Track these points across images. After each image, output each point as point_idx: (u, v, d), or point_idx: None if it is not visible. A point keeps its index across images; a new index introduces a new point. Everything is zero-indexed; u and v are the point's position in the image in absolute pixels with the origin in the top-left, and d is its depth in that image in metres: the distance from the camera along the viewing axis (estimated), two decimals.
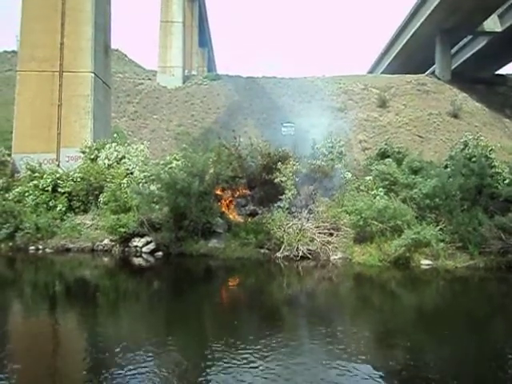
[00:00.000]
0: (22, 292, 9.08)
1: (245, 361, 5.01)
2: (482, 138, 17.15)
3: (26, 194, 14.14)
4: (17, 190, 14.42)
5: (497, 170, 13.80)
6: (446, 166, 15.17)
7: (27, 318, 7.22)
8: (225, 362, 4.98)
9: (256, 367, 4.85)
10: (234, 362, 5.00)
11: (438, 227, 11.52)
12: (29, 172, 15.14)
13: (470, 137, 16.88)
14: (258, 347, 5.47)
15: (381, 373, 4.88)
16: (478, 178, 12.65)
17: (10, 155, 17.67)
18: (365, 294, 9.49)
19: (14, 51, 35.81)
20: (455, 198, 12.32)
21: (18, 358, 5.36)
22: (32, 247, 12.75)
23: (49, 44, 17.83)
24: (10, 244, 12.78)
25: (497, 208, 12.46)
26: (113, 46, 23.76)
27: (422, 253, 11.37)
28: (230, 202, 14.31)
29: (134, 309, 7.91)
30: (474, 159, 13.90)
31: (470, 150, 15.37)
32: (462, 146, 16.45)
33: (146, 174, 14.51)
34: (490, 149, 15.39)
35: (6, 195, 14.25)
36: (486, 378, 4.92)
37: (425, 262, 11.27)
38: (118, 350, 5.47)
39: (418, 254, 11.32)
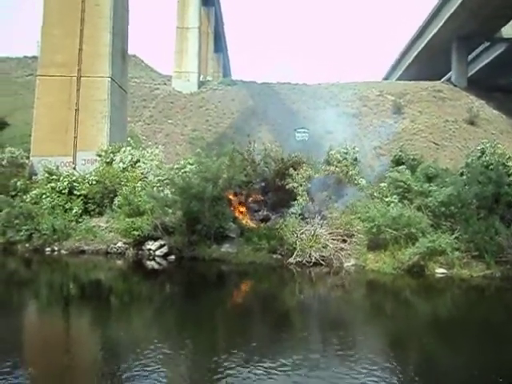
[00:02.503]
0: (42, 292, 9.25)
1: (259, 365, 5.00)
2: (499, 145, 16.87)
3: (43, 197, 14.39)
4: (34, 192, 14.69)
5: None
6: (461, 174, 14.96)
7: (47, 317, 7.35)
8: (238, 366, 4.98)
9: (271, 373, 4.84)
10: (247, 365, 4.99)
11: (454, 235, 11.33)
12: (46, 174, 15.42)
13: (487, 144, 16.61)
14: (273, 354, 5.46)
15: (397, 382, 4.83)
16: (495, 186, 12.43)
17: (28, 158, 18.03)
18: (380, 302, 9.38)
19: (34, 56, 36.59)
20: (471, 206, 12.13)
21: (38, 351, 5.46)
22: (48, 249, 12.96)
23: (68, 49, 18.19)
24: (27, 245, 13.01)
25: None
26: (130, 52, 24.11)
27: (437, 261, 11.19)
28: (243, 207, 14.34)
29: (147, 311, 7.96)
30: (491, 167, 13.68)
31: (487, 158, 15.12)
32: (478, 154, 16.20)
33: (160, 178, 14.65)
34: (507, 157, 15.13)
35: (24, 197, 14.52)
36: None
37: (439, 271, 11.10)
38: (131, 350, 5.51)
39: (433, 263, 11.15)
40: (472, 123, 33.42)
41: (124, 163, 15.87)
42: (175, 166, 15.41)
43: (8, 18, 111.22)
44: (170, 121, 33.53)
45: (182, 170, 14.50)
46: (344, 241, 12.37)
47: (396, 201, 12.98)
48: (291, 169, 14.00)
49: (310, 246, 11.85)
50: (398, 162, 17.56)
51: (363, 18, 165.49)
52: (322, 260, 11.72)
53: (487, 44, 41.63)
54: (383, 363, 5.41)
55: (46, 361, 5.28)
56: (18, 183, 15.32)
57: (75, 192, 14.62)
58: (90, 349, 6.00)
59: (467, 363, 5.68)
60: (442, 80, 42.18)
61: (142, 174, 15.40)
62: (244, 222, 13.66)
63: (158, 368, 4.96)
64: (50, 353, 5.57)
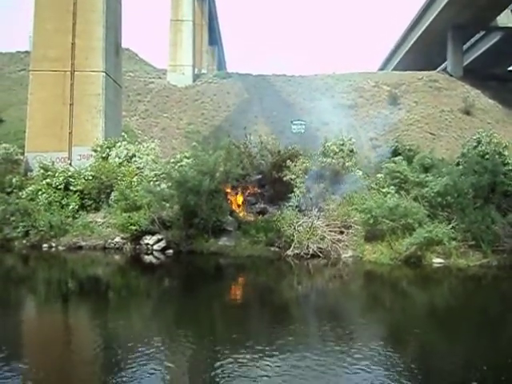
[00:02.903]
0: (41, 288, 9.26)
1: (257, 358, 5.02)
2: (495, 135, 16.90)
3: (39, 193, 14.31)
4: (30, 188, 14.61)
5: (510, 167, 13.58)
6: (457, 164, 15.00)
7: (47, 312, 7.37)
8: (238, 359, 5.00)
9: (269, 365, 4.86)
10: (247, 358, 5.01)
11: (450, 225, 11.39)
12: (42, 170, 15.33)
13: (483, 134, 16.64)
14: (271, 346, 5.48)
15: (395, 373, 4.86)
16: (491, 175, 12.47)
17: (23, 154, 17.91)
18: (378, 293, 9.43)
19: (26, 51, 36.20)
20: (468, 195, 12.17)
21: (40, 347, 5.47)
22: (45, 245, 12.92)
23: (61, 44, 18.02)
24: (24, 242, 12.98)
25: (510, 206, 12.29)
26: (123, 45, 23.91)
27: (434, 251, 11.26)
28: (240, 200, 14.33)
29: (146, 306, 7.97)
30: (486, 156, 13.71)
31: (483, 147, 15.16)
32: (474, 143, 16.22)
33: (156, 172, 14.60)
34: (503, 146, 15.16)
35: (20, 194, 14.44)
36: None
37: (437, 261, 11.16)
38: (131, 345, 5.53)
39: (430, 253, 11.21)
40: (468, 113, 33.43)
41: (120, 158, 15.81)
42: (171, 160, 15.36)
43: None
44: (165, 115, 33.36)
45: (179, 164, 14.46)
46: (341, 232, 12.41)
47: (393, 191, 13.00)
48: (288, 161, 13.99)
49: (308, 238, 11.87)
50: (394, 152, 17.57)
51: (358, 9, 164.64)
52: (320, 252, 11.75)
53: (482, 33, 41.53)
54: (381, 352, 5.44)
55: (47, 355, 5.29)
56: (14, 180, 15.23)
57: (71, 188, 14.56)
58: (91, 343, 6.00)
59: (464, 353, 5.74)
60: (438, 70, 42.08)
61: (138, 168, 15.35)
62: (241, 215, 13.67)
63: (160, 363, 4.98)
64: (52, 347, 5.57)
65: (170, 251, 12.42)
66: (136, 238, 12.87)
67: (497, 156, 13.54)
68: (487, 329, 6.71)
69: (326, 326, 6.63)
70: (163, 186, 13.51)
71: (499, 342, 6.12)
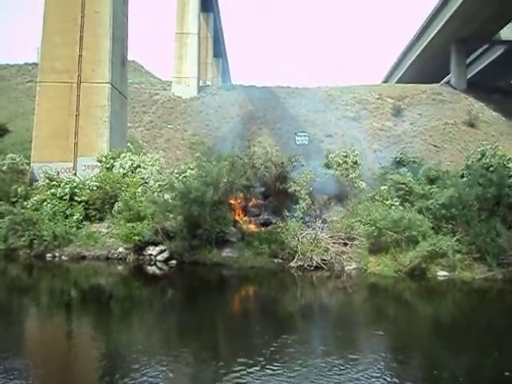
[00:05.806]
0: (45, 299, 9.24)
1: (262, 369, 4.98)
2: (499, 147, 16.90)
3: (44, 203, 14.37)
4: (35, 198, 14.68)
5: None
6: (462, 176, 14.97)
7: (51, 324, 7.34)
8: (243, 371, 4.96)
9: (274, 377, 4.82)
10: (252, 370, 4.97)
11: (455, 238, 11.32)
12: (47, 181, 15.42)
13: (488, 146, 16.64)
14: (275, 363, 5.43)
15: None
16: (496, 187, 12.43)
17: (29, 164, 18.05)
18: (383, 306, 9.33)
19: (34, 63, 36.71)
20: (472, 208, 12.12)
21: (43, 358, 5.46)
22: (49, 255, 12.93)
23: (68, 56, 18.27)
24: (28, 251, 13.00)
25: None
26: (129, 58, 24.18)
27: (439, 264, 11.17)
28: (244, 211, 14.33)
29: (150, 319, 7.93)
30: (491, 169, 13.68)
31: (488, 160, 15.14)
32: (479, 156, 16.21)
33: (160, 183, 14.65)
34: (507, 158, 15.13)
35: (25, 203, 14.51)
36: None
37: (441, 274, 11.07)
38: (136, 360, 5.49)
39: (434, 265, 11.13)
40: (472, 125, 33.44)
41: (124, 169, 15.89)
42: (175, 171, 15.41)
43: (8, 25, 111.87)
44: (169, 126, 33.59)
45: (183, 175, 14.51)
46: (345, 244, 12.36)
47: (397, 204, 12.96)
48: (293, 172, 14.00)
49: (311, 250, 11.83)
50: (398, 164, 17.59)
51: (361, 22, 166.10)
52: (324, 264, 11.70)
53: (486, 46, 41.76)
54: (387, 366, 5.39)
55: (50, 367, 5.27)
56: (19, 189, 15.31)
57: (76, 198, 14.60)
58: (91, 358, 5.98)
59: (469, 367, 5.66)
60: (442, 83, 42.25)
61: (142, 179, 15.41)
62: (245, 226, 13.64)
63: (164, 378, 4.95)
64: (55, 359, 5.55)
65: (173, 262, 12.39)
66: (139, 248, 12.86)
67: (501, 168, 13.50)
68: (494, 343, 6.61)
69: (335, 344, 6.56)
70: (167, 196, 13.54)
71: (505, 357, 6.03)
